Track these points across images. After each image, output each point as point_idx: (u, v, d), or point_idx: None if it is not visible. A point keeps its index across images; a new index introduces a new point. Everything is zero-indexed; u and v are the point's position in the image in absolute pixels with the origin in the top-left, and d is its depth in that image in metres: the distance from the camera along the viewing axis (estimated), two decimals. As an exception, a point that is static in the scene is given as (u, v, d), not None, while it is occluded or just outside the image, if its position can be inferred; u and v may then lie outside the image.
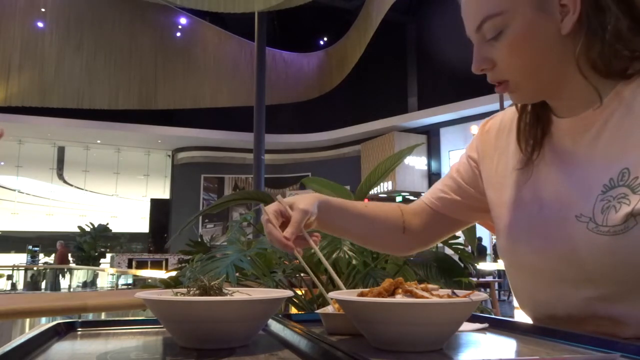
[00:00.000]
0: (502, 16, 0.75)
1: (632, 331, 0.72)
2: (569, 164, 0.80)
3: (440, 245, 1.58)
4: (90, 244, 13.96)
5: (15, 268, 13.83)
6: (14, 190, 17.41)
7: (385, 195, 14.47)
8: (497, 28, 0.76)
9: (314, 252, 1.57)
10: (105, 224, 14.75)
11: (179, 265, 2.04)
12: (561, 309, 0.78)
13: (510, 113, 0.92)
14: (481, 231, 8.63)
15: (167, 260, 12.33)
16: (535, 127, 0.85)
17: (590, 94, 0.76)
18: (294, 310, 1.84)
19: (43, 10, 14.58)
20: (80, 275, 13.22)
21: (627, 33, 0.72)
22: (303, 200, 0.87)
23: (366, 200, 0.90)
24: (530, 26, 0.74)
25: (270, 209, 0.86)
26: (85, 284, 12.90)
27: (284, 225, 0.85)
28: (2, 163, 17.24)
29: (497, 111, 1.00)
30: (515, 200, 0.85)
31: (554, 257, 0.77)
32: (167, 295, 0.68)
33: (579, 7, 0.72)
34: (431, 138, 14.58)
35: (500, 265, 9.13)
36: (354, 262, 1.59)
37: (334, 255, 1.61)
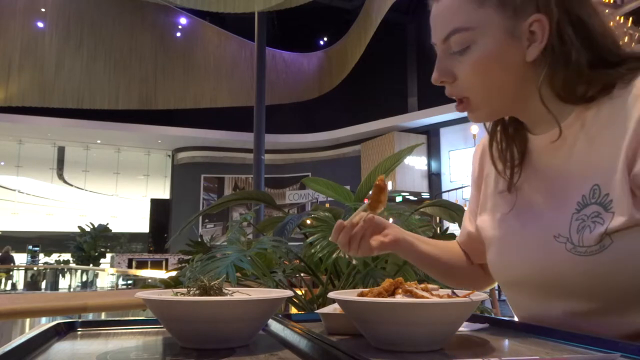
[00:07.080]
0: (471, 32, 0.75)
1: None
2: (547, 181, 0.80)
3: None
4: (90, 244, 13.96)
5: (15, 268, 13.84)
6: (14, 190, 17.41)
7: (385, 196, 14.42)
8: (464, 43, 0.76)
9: (314, 252, 1.55)
10: (105, 224, 14.74)
11: (179, 265, 2.03)
12: (548, 322, 0.79)
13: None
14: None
15: (167, 260, 12.34)
16: (510, 148, 0.85)
17: (551, 117, 0.76)
18: (294, 310, 1.84)
19: (43, 10, 14.58)
20: (80, 275, 13.22)
21: (586, 68, 0.73)
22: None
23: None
24: (497, 48, 0.74)
25: (361, 214, 0.90)
26: (85, 284, 12.90)
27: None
28: (2, 163, 17.24)
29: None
30: (501, 220, 0.86)
31: (537, 276, 0.78)
32: (167, 295, 0.68)
33: (547, 37, 0.73)
34: (431, 138, 14.56)
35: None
36: (354, 262, 1.59)
37: (334, 255, 1.61)
